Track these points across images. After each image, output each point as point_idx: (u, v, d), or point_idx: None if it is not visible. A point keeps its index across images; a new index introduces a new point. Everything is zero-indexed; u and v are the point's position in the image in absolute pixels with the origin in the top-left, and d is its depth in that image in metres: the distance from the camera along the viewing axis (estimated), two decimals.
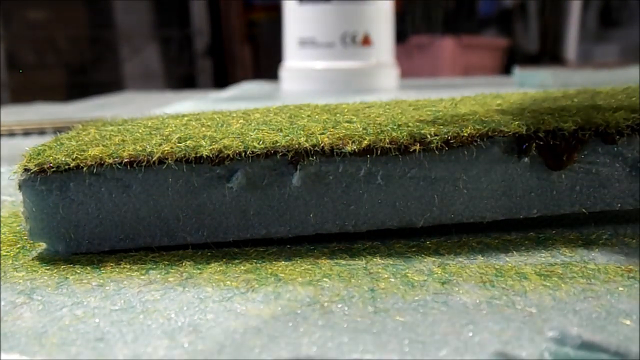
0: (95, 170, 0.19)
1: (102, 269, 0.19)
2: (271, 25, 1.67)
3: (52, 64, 1.84)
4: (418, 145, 0.19)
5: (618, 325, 0.14)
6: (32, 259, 0.20)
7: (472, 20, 2.06)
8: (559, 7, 1.95)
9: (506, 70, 1.59)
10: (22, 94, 1.48)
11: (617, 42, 1.95)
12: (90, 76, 1.87)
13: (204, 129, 0.22)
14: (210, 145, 0.19)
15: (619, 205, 0.21)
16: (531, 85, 0.72)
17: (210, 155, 0.19)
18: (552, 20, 1.97)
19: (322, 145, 0.19)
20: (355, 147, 0.19)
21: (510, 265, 0.18)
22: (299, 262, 0.19)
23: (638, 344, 0.14)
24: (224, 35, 1.97)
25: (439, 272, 0.18)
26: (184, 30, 1.97)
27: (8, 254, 0.20)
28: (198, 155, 0.19)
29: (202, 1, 1.97)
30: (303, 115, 0.23)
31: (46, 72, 1.81)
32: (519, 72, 0.77)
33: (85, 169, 0.19)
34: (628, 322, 0.15)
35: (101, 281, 0.18)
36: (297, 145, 0.19)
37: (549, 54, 1.93)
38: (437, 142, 0.19)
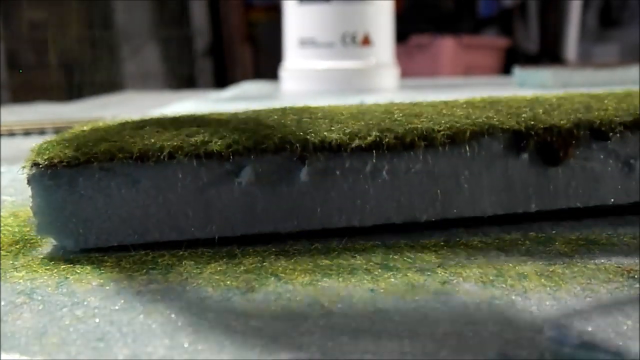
0: (105, 165, 0.19)
1: (102, 269, 0.19)
2: (271, 26, 1.67)
3: (52, 64, 1.83)
4: (422, 141, 0.20)
5: (618, 325, 0.14)
6: (32, 259, 0.20)
7: (472, 20, 2.06)
8: (559, 7, 1.95)
9: (506, 70, 1.58)
10: (22, 94, 1.48)
11: (617, 42, 1.95)
12: (91, 76, 1.87)
13: (212, 125, 0.22)
14: (220, 140, 0.20)
15: (612, 200, 0.22)
16: (531, 85, 0.72)
17: (220, 151, 0.19)
18: (552, 20, 1.97)
19: (329, 141, 0.20)
20: (361, 143, 0.20)
21: (510, 265, 0.18)
22: (299, 262, 0.19)
23: (638, 344, 0.14)
24: (224, 35, 1.96)
25: (439, 272, 0.18)
26: (184, 30, 1.97)
27: (8, 254, 0.20)
28: (208, 150, 0.19)
29: (202, 1, 1.96)
30: (309, 115, 0.23)
31: (46, 72, 1.81)
32: (519, 72, 0.76)
33: (95, 163, 0.19)
34: (628, 322, 0.15)
35: (101, 281, 0.18)
36: (304, 141, 0.20)
37: (549, 54, 1.93)
38: (441, 139, 0.20)
